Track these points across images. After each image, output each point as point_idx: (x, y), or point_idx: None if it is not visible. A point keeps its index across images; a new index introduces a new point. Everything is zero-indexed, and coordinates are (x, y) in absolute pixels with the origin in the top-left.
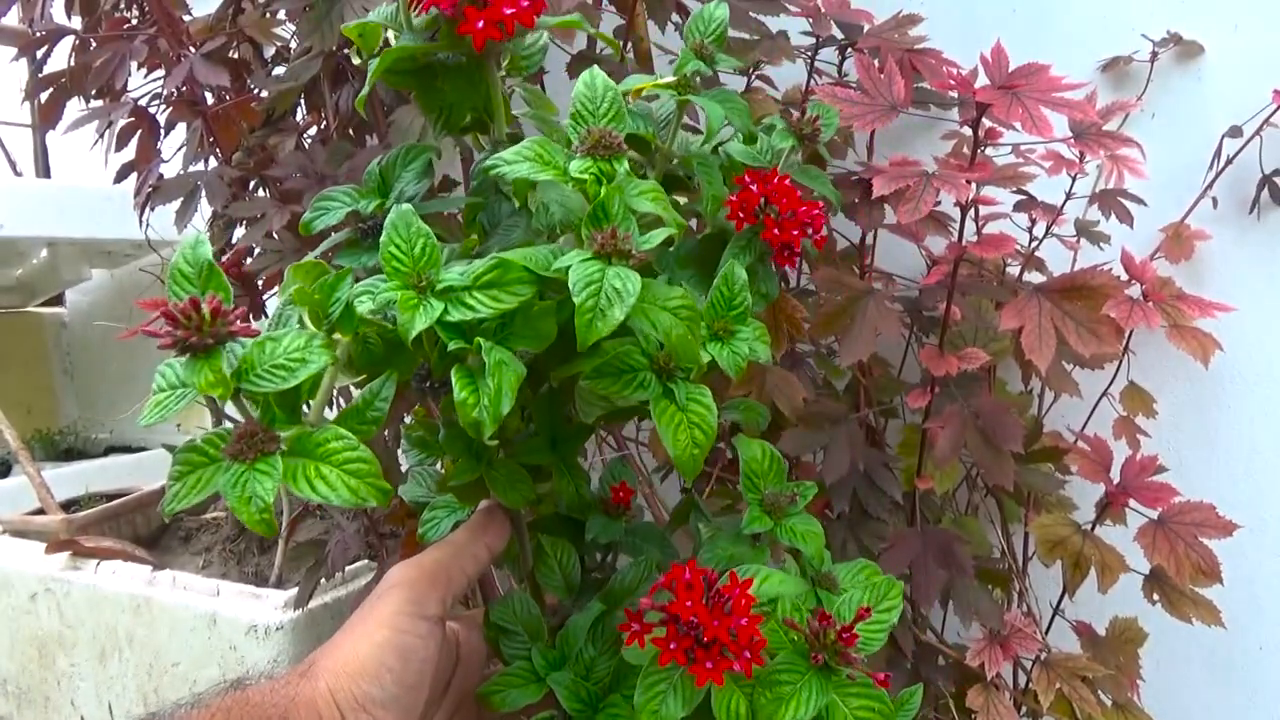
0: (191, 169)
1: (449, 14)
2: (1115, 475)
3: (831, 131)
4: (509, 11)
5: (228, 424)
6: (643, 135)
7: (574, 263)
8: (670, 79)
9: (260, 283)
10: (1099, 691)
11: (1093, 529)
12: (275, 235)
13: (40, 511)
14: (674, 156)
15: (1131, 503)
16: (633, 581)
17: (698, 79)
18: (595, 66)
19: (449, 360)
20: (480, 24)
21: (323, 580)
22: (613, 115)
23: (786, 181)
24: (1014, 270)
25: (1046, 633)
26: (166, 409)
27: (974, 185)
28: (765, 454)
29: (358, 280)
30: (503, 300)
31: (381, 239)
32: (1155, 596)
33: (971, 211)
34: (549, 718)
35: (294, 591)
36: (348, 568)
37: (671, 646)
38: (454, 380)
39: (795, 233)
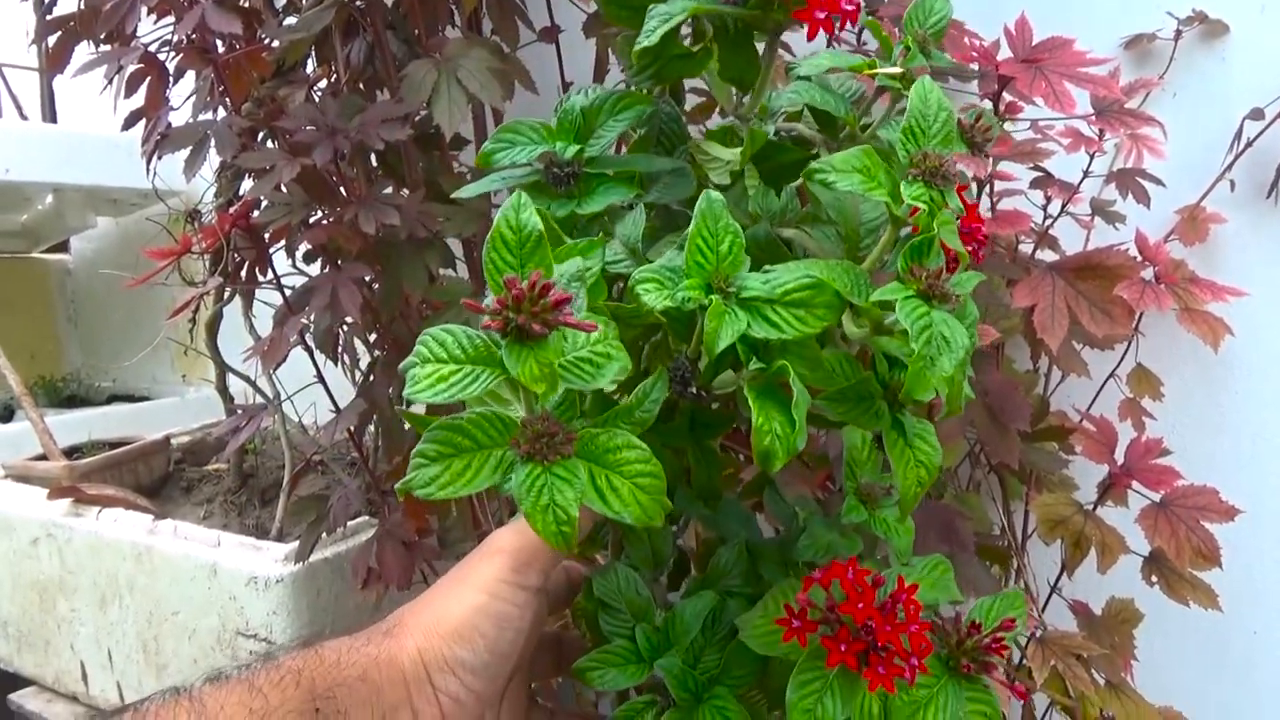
0: (201, 118)
1: None
2: (1119, 457)
3: (996, 135)
4: (849, 8)
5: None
6: (830, 111)
7: (898, 299)
8: (896, 68)
9: (267, 235)
10: (1093, 670)
11: (1094, 509)
12: (284, 188)
13: (43, 457)
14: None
15: (1134, 485)
16: (728, 564)
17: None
18: (927, 78)
19: (714, 366)
20: (821, 14)
21: (324, 535)
22: (944, 137)
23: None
24: (1027, 248)
25: (1043, 610)
26: (455, 389)
27: (991, 160)
28: (865, 443)
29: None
30: (808, 324)
31: (689, 228)
32: (1154, 578)
33: (987, 187)
34: (650, 702)
35: (295, 545)
36: (349, 523)
37: (843, 649)
38: (751, 404)
39: (970, 249)
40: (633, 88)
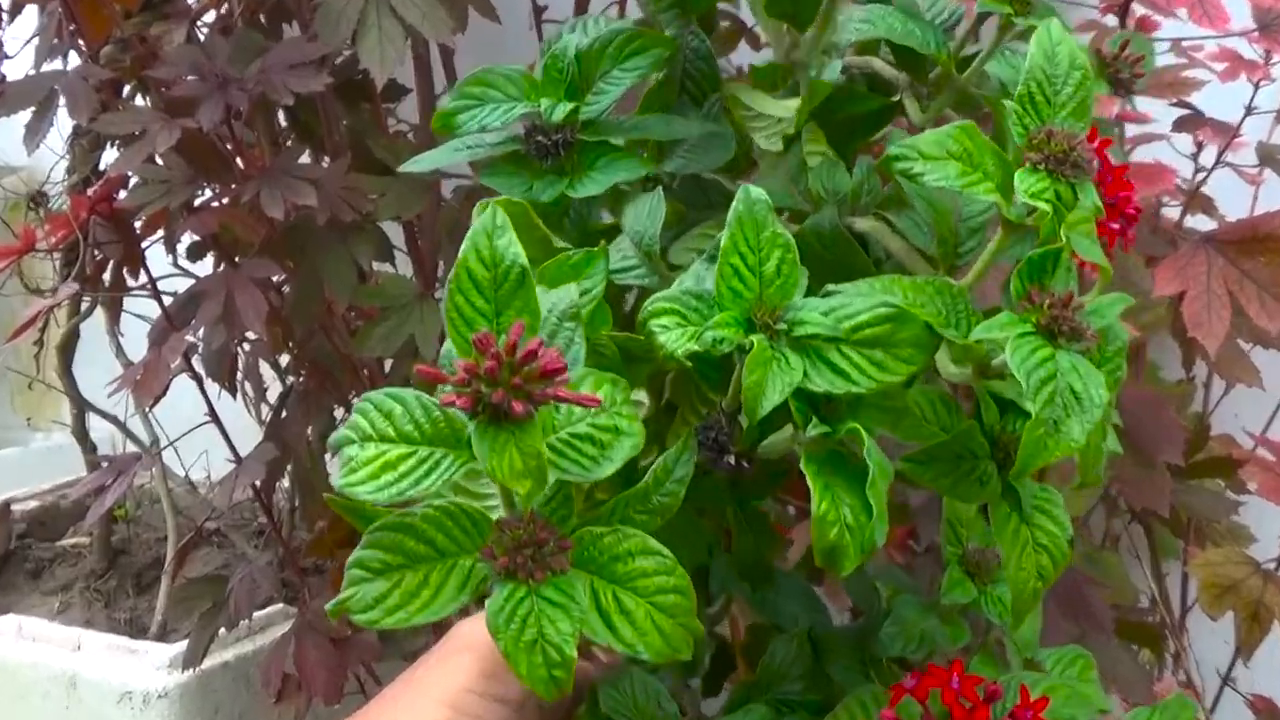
0: (46, 68)
1: None
2: None
3: (1150, 69)
4: None
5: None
6: (914, 47)
7: (1010, 337)
8: None
9: (139, 225)
10: None
11: (1277, 570)
12: (160, 160)
13: None
14: (974, 92)
15: None
16: (784, 662)
17: None
18: (1056, 22)
19: (759, 427)
20: None
21: (222, 631)
22: (1075, 106)
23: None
24: (1171, 213)
25: (1213, 709)
26: (407, 482)
27: (1123, 98)
28: None
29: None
30: (887, 370)
31: (722, 240)
32: None
33: (1114, 131)
34: None
35: (183, 646)
36: (256, 614)
37: None
38: (810, 481)
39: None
40: (649, 20)
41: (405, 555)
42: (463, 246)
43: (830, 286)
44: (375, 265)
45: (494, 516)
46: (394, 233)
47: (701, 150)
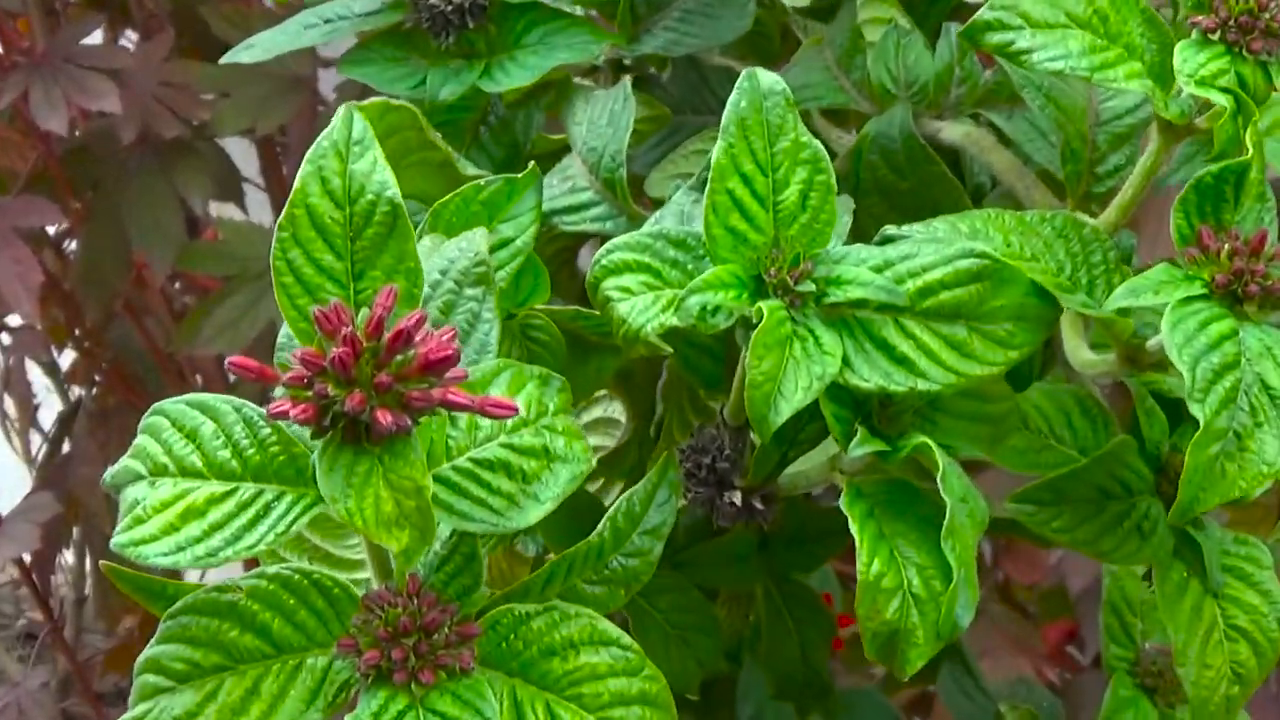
0: None
1: None
2: None
3: None
4: None
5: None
6: None
7: (1170, 303)
8: None
9: None
10: None
11: None
12: None
13: None
14: None
15: None
16: None
17: None
18: None
19: (778, 445)
20: None
21: None
22: None
23: None
24: None
25: None
26: (220, 539)
27: None
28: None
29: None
30: (974, 356)
31: (714, 156)
32: None
33: None
34: None
35: None
36: None
37: None
38: (854, 528)
39: None
40: None
41: (224, 652)
42: (300, 172)
43: (890, 230)
44: (214, 208)
45: (361, 591)
46: (244, 156)
47: (702, 18)
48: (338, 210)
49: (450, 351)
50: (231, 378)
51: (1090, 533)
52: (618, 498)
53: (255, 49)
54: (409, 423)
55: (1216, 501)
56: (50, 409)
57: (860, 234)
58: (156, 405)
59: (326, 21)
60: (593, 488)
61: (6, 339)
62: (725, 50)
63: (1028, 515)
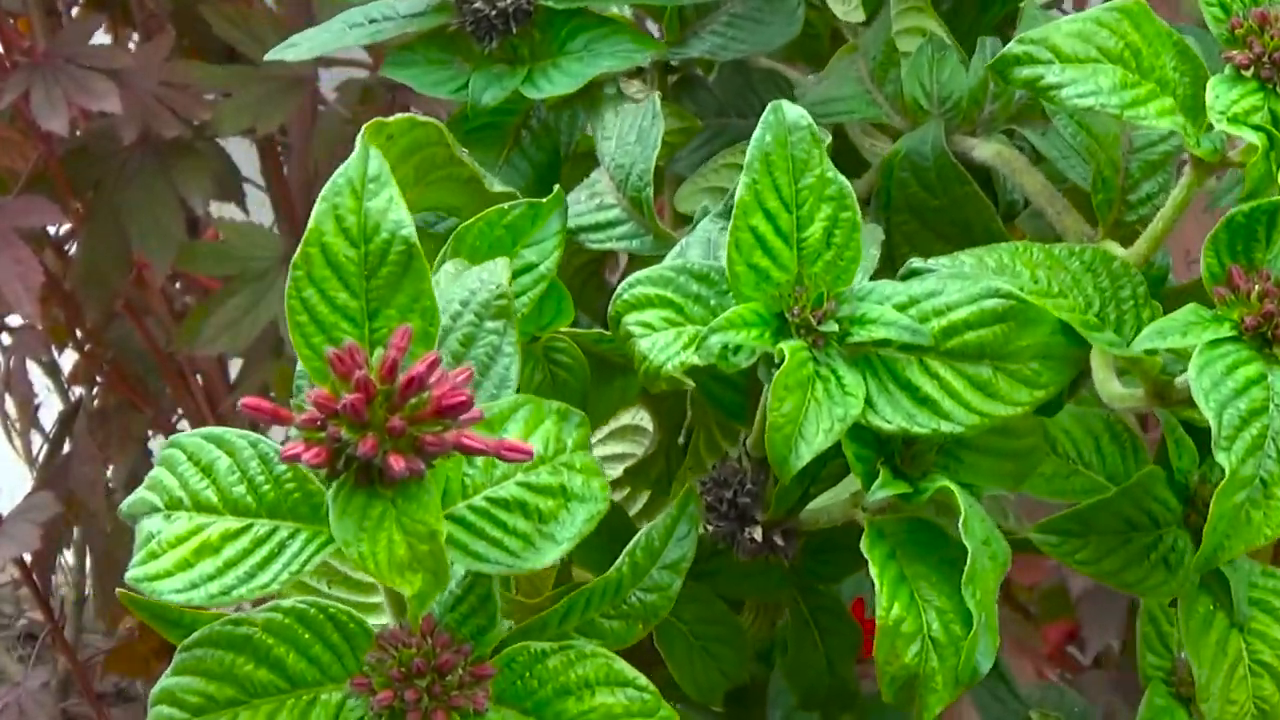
0: None
1: None
2: None
3: None
4: None
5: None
6: None
7: (1198, 346)
8: None
9: None
10: None
11: None
12: None
13: None
14: None
15: None
16: None
17: None
18: None
19: (799, 483)
20: None
21: None
22: None
23: None
24: None
25: None
26: (234, 576)
27: None
28: None
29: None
30: (999, 396)
31: (738, 192)
32: None
33: None
34: None
35: None
36: None
37: None
38: (875, 571)
39: None
40: None
41: (239, 685)
42: (315, 210)
43: (915, 263)
44: (214, 208)
45: (377, 625)
46: (244, 156)
47: (750, 23)
48: (353, 248)
49: (463, 397)
50: (233, 374)
51: (1116, 564)
52: (643, 507)
53: (300, 47)
54: (422, 467)
55: (1242, 549)
56: (50, 409)
57: (890, 249)
58: (173, 438)
59: (371, 21)
60: (618, 496)
61: (7, 339)
62: (773, 52)
63: (1052, 545)
